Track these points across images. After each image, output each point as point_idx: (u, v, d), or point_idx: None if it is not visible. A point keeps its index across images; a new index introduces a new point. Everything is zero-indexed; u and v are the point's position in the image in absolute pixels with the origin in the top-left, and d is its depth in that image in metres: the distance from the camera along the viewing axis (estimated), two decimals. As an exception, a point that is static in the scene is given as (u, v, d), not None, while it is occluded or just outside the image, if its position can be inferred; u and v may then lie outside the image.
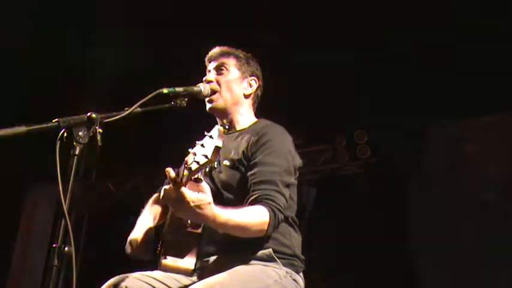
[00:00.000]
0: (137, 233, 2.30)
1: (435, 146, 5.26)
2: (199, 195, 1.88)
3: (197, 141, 1.84)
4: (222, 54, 2.53)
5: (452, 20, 4.26)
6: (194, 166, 1.79)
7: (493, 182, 4.93)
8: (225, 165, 2.29)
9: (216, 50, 2.55)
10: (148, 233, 2.29)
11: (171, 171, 1.88)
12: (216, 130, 1.81)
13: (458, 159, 5.12)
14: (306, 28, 4.51)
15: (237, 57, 2.53)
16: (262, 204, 2.10)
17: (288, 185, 2.23)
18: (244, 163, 2.26)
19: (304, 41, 4.63)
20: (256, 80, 2.54)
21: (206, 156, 1.77)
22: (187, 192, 1.86)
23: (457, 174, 5.10)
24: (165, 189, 1.97)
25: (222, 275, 2.06)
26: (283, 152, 2.28)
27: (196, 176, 1.83)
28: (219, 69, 2.49)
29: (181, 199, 1.86)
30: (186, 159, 1.84)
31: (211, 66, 2.53)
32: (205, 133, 1.84)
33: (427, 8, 4.19)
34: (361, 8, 4.29)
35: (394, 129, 5.20)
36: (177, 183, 1.85)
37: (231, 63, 2.51)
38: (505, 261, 4.60)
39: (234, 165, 2.27)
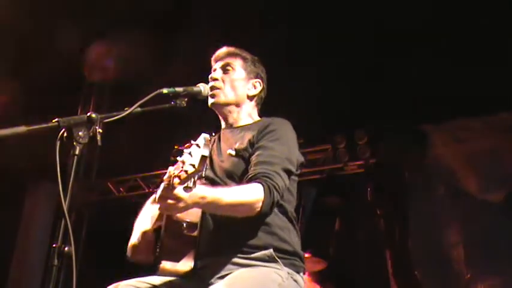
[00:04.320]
0: (136, 238, 2.29)
1: (435, 146, 5.26)
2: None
3: (185, 150, 1.83)
4: (229, 54, 2.53)
5: (452, 19, 4.26)
6: (183, 175, 1.78)
7: (494, 182, 4.93)
8: (230, 154, 2.28)
9: (223, 50, 2.55)
10: (146, 236, 2.27)
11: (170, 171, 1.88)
12: (202, 139, 1.80)
13: (458, 159, 5.12)
14: (306, 27, 4.50)
15: (243, 58, 2.53)
16: (257, 181, 2.07)
17: (288, 172, 2.21)
18: (250, 151, 2.25)
19: (305, 40, 4.63)
20: (261, 82, 2.54)
21: (193, 166, 1.76)
22: (180, 191, 1.86)
23: (457, 174, 5.10)
24: (159, 193, 1.94)
25: (223, 283, 2.05)
26: (287, 142, 2.28)
27: (186, 185, 1.81)
28: (225, 68, 2.49)
29: (177, 200, 1.87)
30: (174, 167, 1.83)
31: (217, 65, 2.53)
32: (192, 142, 1.83)
33: (425, 9, 4.19)
34: (362, 9, 4.29)
35: (394, 129, 5.20)
36: (169, 190, 1.85)
37: (237, 63, 2.51)
38: (507, 263, 4.60)
39: (239, 153, 2.26)
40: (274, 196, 2.08)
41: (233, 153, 2.27)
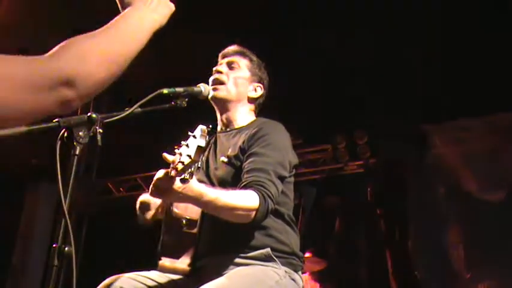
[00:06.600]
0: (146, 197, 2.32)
1: (435, 146, 5.26)
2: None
3: (182, 141, 1.84)
4: (238, 53, 2.55)
5: (451, 19, 4.26)
6: (180, 166, 1.80)
7: (494, 182, 4.93)
8: (222, 161, 2.29)
9: (232, 48, 2.57)
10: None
11: (167, 157, 1.99)
12: (199, 130, 1.81)
13: (458, 159, 5.12)
14: (305, 26, 4.50)
15: (250, 60, 2.55)
16: (252, 189, 2.08)
17: (281, 177, 2.21)
18: (241, 158, 2.25)
19: (304, 39, 4.62)
20: (262, 87, 2.55)
21: (190, 157, 1.78)
22: (177, 183, 1.88)
23: (457, 174, 5.10)
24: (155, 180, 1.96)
25: (222, 279, 2.05)
26: (278, 146, 2.28)
27: (182, 177, 1.82)
28: (231, 65, 2.51)
29: (171, 190, 1.89)
30: (173, 158, 1.85)
31: (223, 60, 2.54)
32: (189, 133, 1.85)
33: (425, 7, 4.18)
34: (362, 8, 4.28)
35: (394, 129, 5.20)
36: (166, 180, 1.89)
37: (244, 62, 2.53)
38: (506, 263, 4.60)
39: (231, 161, 2.27)
40: (268, 204, 2.08)
41: (226, 160, 2.28)
